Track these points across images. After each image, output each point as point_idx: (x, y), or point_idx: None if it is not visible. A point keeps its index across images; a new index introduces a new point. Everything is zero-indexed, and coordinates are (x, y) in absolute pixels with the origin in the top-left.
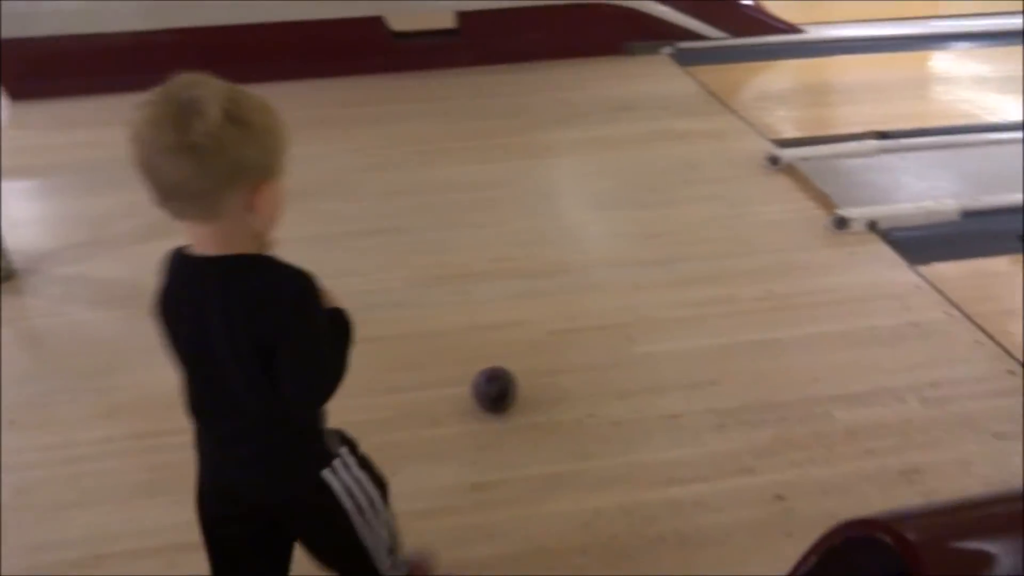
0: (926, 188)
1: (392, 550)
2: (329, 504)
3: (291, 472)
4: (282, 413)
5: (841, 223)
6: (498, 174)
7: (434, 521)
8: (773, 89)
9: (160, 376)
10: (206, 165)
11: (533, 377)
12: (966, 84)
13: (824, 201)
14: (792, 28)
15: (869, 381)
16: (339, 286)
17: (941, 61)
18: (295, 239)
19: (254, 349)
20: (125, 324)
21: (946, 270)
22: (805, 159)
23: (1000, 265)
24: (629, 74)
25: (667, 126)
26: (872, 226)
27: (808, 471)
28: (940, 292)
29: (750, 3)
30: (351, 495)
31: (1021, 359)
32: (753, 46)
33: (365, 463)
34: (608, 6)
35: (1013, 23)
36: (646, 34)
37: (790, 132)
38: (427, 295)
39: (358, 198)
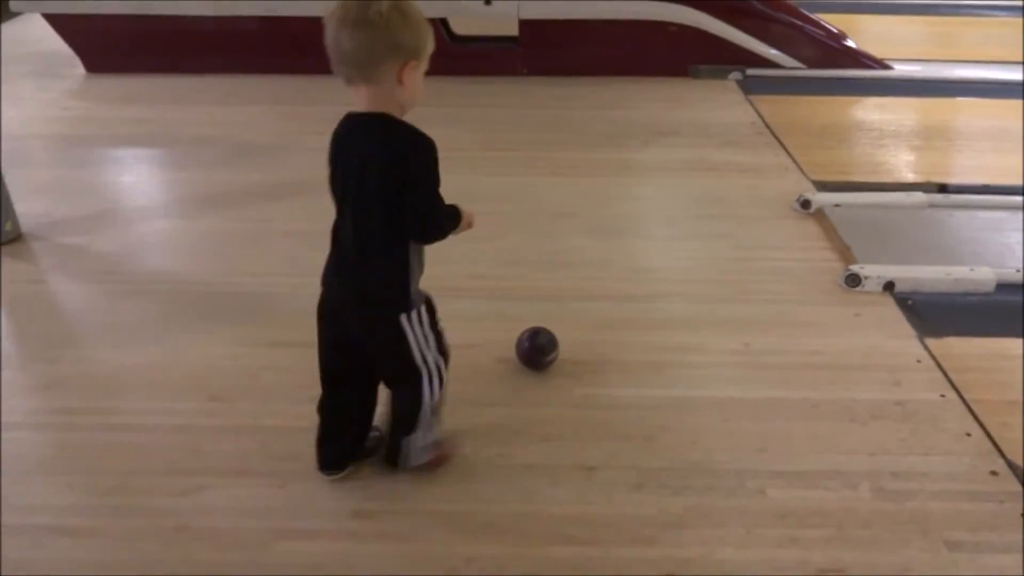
0: (971, 252)
1: (435, 411)
2: (402, 346)
3: (377, 310)
4: (388, 256)
5: (853, 280)
6: (514, 188)
7: (298, 543)
8: (840, 126)
9: (108, 356)
10: (373, 38)
11: (460, 406)
12: None
13: (845, 254)
14: (879, 63)
15: (823, 460)
16: (301, 286)
17: None
18: (280, 232)
19: (384, 189)
20: (97, 300)
21: (960, 346)
22: (838, 205)
23: None
24: (685, 98)
25: (705, 156)
26: (889, 287)
27: (714, 552)
28: (942, 370)
29: (833, 32)
30: (419, 344)
31: (1009, 458)
32: (833, 80)
33: (437, 328)
34: (677, 25)
35: None
36: (715, 58)
37: (839, 175)
38: None
39: None
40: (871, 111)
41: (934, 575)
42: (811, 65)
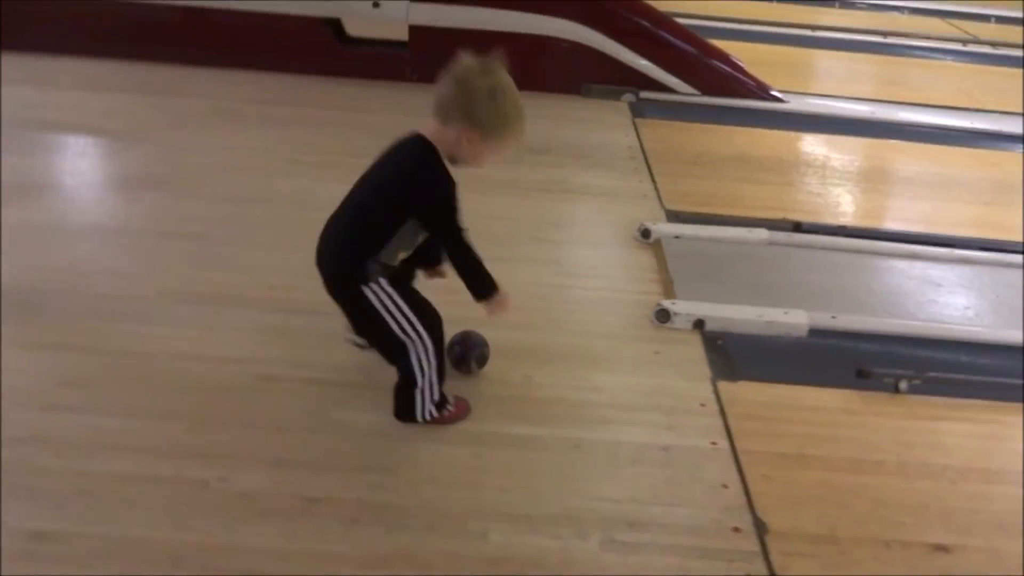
0: (801, 294)
1: (435, 376)
2: (369, 311)
3: (339, 284)
4: (352, 244)
5: (663, 316)
6: None
7: None
8: (716, 156)
9: None
10: (453, 97)
11: (196, 426)
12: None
13: (668, 288)
14: (770, 95)
15: (563, 504)
16: (88, 284)
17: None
18: (91, 226)
19: (387, 194)
20: None
21: (752, 392)
22: (678, 237)
23: (824, 399)
24: (570, 117)
25: (566, 177)
26: (698, 325)
27: None
28: (723, 416)
29: (730, 60)
30: (387, 308)
31: (757, 515)
32: (724, 108)
33: (411, 297)
34: (570, 42)
35: None
36: (610, 78)
37: (699, 205)
38: (170, 312)
39: (194, 198)
40: (753, 143)
41: None
42: (705, 92)
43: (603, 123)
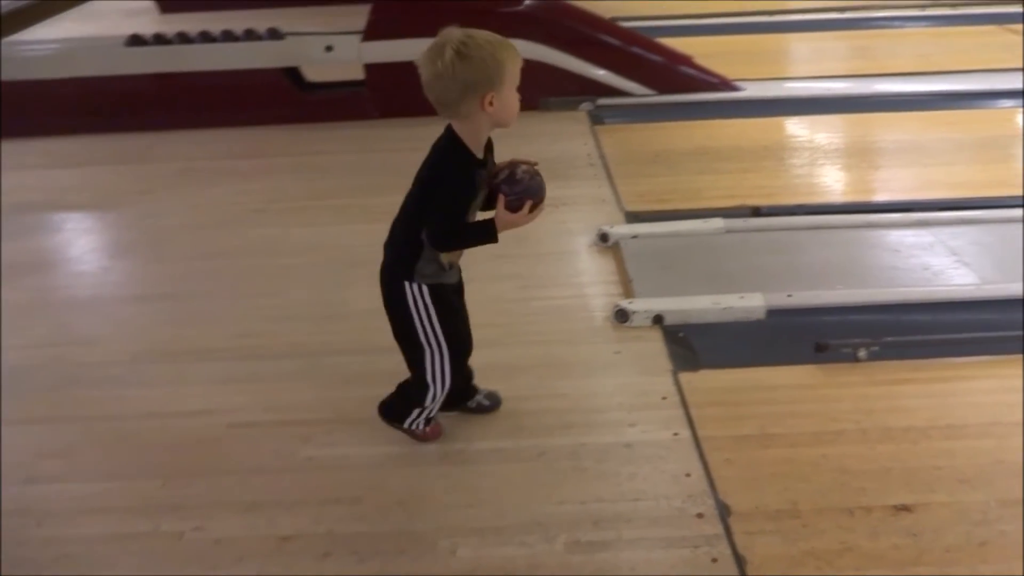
0: (761, 277)
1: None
2: (405, 313)
3: (388, 275)
4: (406, 242)
5: (622, 316)
6: (318, 239)
7: None
8: (675, 152)
9: None
10: (445, 87)
11: (176, 478)
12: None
13: (628, 288)
14: (728, 85)
15: (530, 512)
16: (66, 356)
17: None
18: (62, 301)
19: (416, 192)
20: None
21: (713, 379)
22: (636, 236)
23: (784, 377)
24: (529, 132)
25: None
26: (658, 320)
27: None
28: (685, 407)
29: (679, 56)
30: (420, 318)
31: (719, 498)
32: (682, 104)
33: (446, 309)
34: (524, 60)
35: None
36: (566, 89)
37: (659, 203)
38: (143, 373)
39: (164, 260)
40: (711, 134)
41: None
42: (661, 91)
43: (562, 134)
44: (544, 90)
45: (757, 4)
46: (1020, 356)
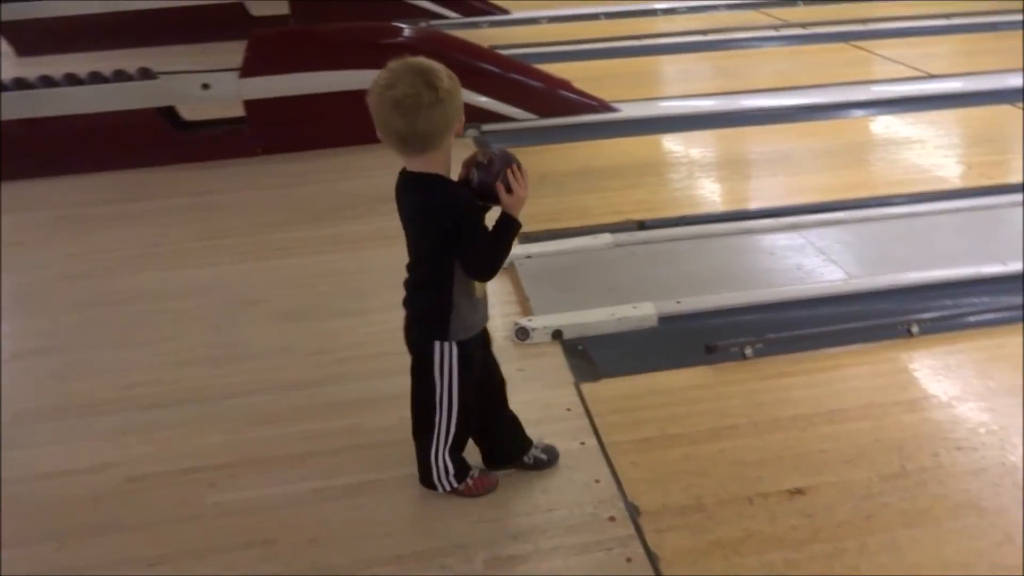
0: (652, 287)
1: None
2: (427, 370)
3: (417, 331)
4: (436, 299)
5: (523, 334)
6: (209, 279)
7: None
8: (559, 173)
9: None
10: (441, 114)
11: (73, 540)
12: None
13: (526, 307)
14: (606, 107)
15: (447, 535)
16: None
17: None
18: None
19: (428, 241)
20: None
21: (614, 388)
22: (530, 256)
23: (679, 379)
24: None
25: None
26: (557, 335)
27: None
28: (589, 416)
29: (557, 81)
30: (441, 376)
31: (629, 500)
32: (564, 127)
33: (468, 373)
34: None
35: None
36: None
37: (548, 223)
38: (28, 433)
39: (40, 313)
40: (593, 155)
41: None
42: (542, 115)
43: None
44: None
45: (628, 29)
46: (888, 342)
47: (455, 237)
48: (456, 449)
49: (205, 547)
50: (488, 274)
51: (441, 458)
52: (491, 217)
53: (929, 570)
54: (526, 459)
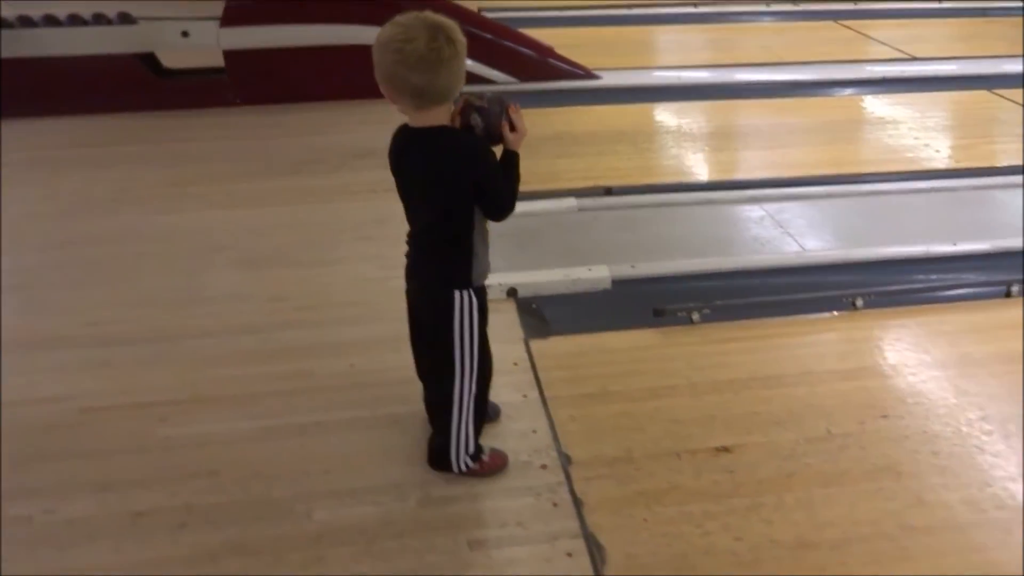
0: (609, 250)
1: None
2: (447, 324)
3: (437, 289)
4: (452, 248)
5: None
6: (176, 225)
7: None
8: (536, 137)
9: None
10: (456, 69)
11: (26, 464)
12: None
13: None
14: (587, 74)
15: (385, 474)
16: None
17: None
18: None
19: (454, 194)
20: None
21: (562, 345)
22: None
23: (625, 340)
24: (394, 120)
25: (388, 176)
26: (512, 293)
27: None
28: (534, 371)
29: (541, 46)
30: (461, 330)
31: (562, 450)
32: (544, 92)
33: (485, 328)
34: None
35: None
36: None
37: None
38: None
39: (13, 251)
40: (570, 121)
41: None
42: (522, 79)
43: None
44: None
45: None
46: (833, 314)
47: (480, 185)
48: (479, 415)
49: (151, 477)
50: (508, 212)
51: (464, 429)
52: None
53: (839, 527)
54: None
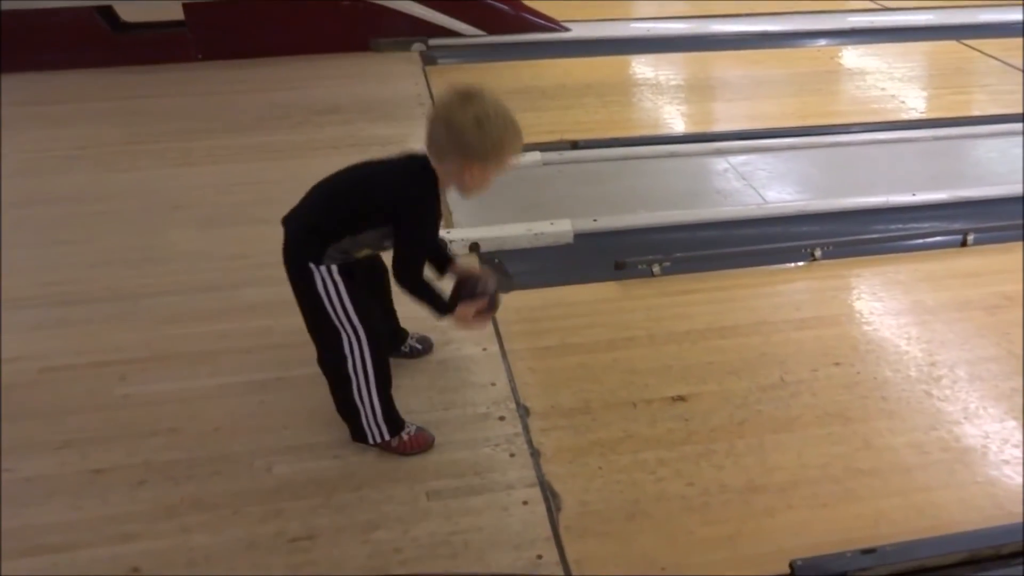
0: (573, 204)
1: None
2: (311, 292)
3: (292, 257)
4: (318, 228)
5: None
6: (134, 183)
7: None
8: (504, 91)
9: None
10: (445, 133)
11: None
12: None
13: (447, 219)
14: (557, 26)
15: (343, 430)
16: None
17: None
18: None
19: (372, 195)
20: None
21: (524, 299)
22: None
23: (586, 293)
24: (360, 74)
25: (354, 132)
26: (474, 248)
27: (190, 538)
28: (495, 324)
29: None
30: (328, 294)
31: (520, 402)
32: (513, 44)
33: (355, 289)
34: (351, 2)
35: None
36: (396, 30)
37: None
38: None
39: None
40: (538, 74)
41: (401, 524)
42: (491, 32)
43: (393, 75)
44: (374, 31)
45: None
46: (791, 265)
47: (399, 224)
48: (381, 382)
49: (111, 435)
50: (402, 278)
51: (358, 395)
52: None
53: (788, 471)
54: (403, 348)
